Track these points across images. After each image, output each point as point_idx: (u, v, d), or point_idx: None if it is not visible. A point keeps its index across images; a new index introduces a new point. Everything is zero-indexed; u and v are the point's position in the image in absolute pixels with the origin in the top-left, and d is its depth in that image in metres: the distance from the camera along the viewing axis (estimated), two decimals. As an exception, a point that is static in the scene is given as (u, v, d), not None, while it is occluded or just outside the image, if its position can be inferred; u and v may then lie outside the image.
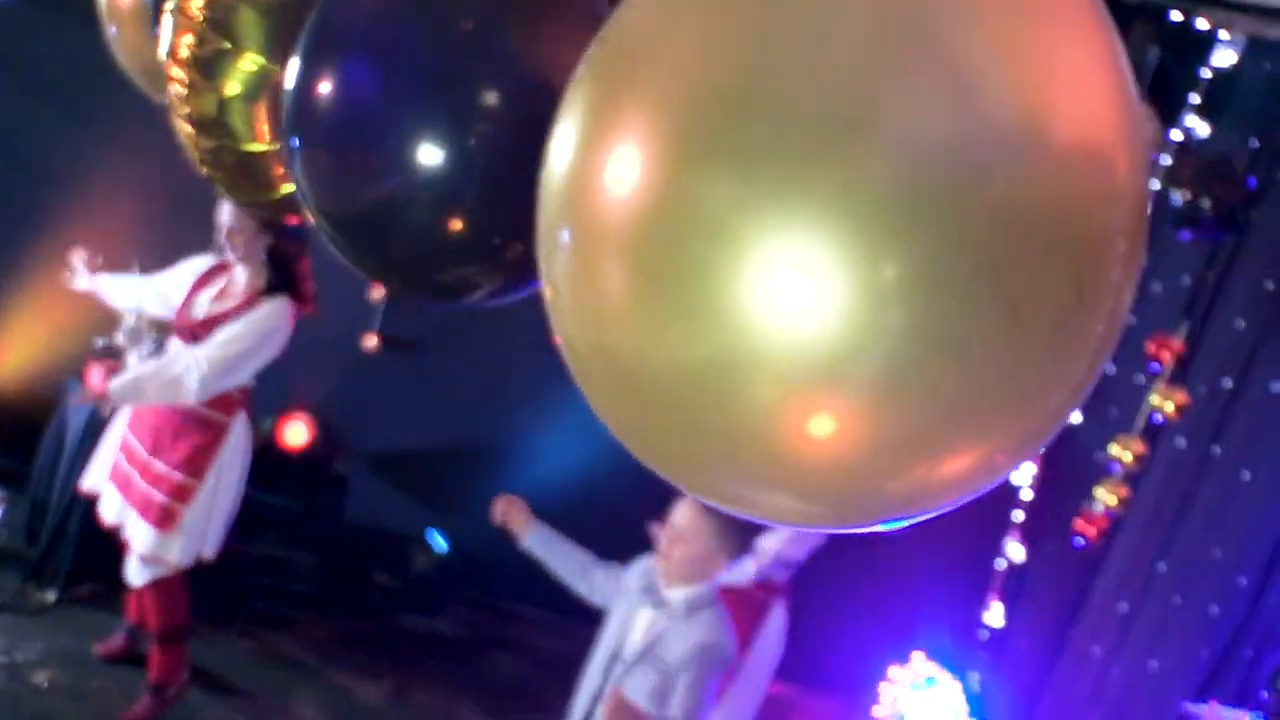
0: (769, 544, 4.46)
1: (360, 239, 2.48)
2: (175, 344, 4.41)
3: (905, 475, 1.56)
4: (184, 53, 2.77)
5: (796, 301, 1.38)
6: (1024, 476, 6.34)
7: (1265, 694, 5.23)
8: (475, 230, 2.40)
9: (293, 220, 3.62)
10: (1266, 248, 5.55)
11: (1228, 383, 5.85)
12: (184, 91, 2.82)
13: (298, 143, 2.44)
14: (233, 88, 2.79)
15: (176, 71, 2.82)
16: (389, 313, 6.11)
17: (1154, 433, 6.18)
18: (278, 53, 2.73)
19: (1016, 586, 6.51)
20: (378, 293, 5.77)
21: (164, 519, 4.30)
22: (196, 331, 4.30)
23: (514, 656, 5.91)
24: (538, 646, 6.06)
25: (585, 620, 6.30)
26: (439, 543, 6.05)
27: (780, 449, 1.50)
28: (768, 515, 1.71)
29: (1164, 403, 3.21)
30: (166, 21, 2.87)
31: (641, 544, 3.64)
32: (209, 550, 4.44)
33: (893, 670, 5.97)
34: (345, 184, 2.41)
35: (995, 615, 6.49)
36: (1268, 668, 5.31)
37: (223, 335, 4.21)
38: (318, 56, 2.39)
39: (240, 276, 4.37)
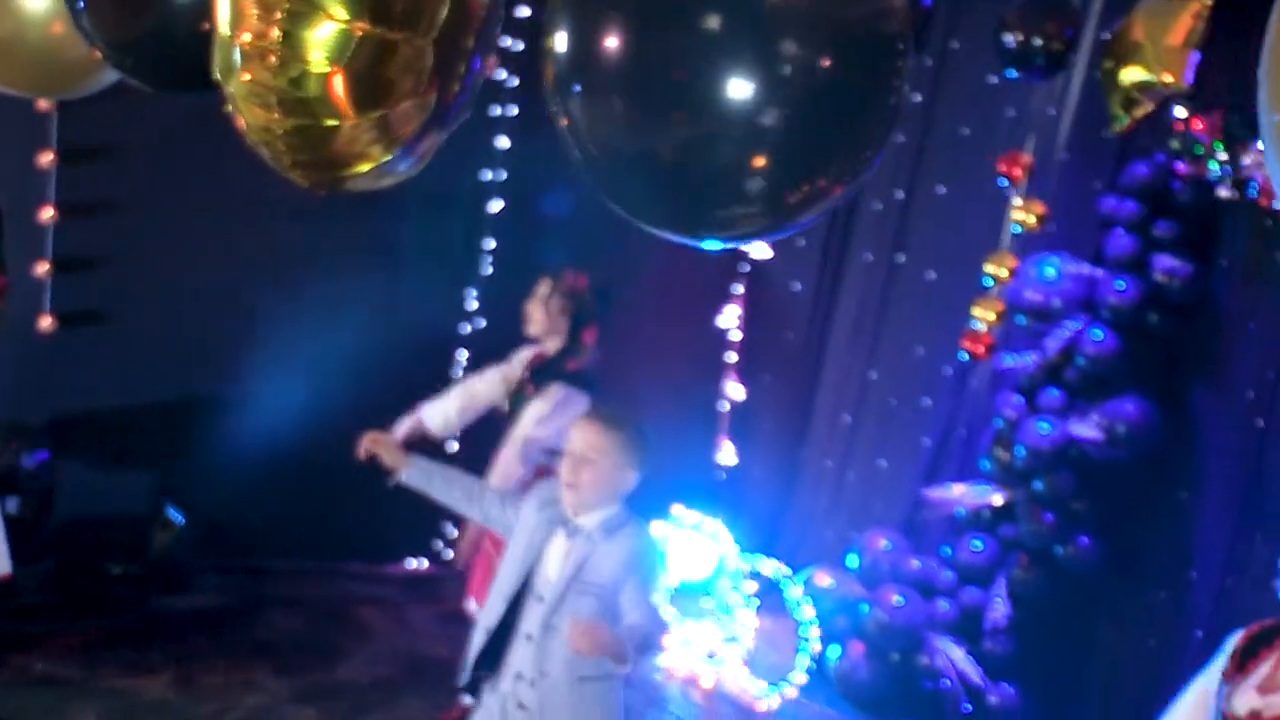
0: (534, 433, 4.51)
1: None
2: None
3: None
4: (255, 23, 2.38)
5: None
6: (730, 319, 6.63)
7: (986, 464, 5.79)
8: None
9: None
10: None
11: (900, 194, 6.29)
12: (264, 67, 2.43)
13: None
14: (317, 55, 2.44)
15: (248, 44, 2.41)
16: (58, 289, 5.61)
17: (840, 250, 6.60)
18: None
19: (742, 424, 6.84)
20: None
21: None
22: None
23: (285, 612, 5.70)
24: (303, 597, 5.87)
25: (340, 559, 6.20)
26: (174, 516, 5.70)
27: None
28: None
29: (1026, 216, 3.40)
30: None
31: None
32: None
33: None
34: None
35: (728, 455, 6.81)
36: (984, 442, 5.87)
37: None
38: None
39: None
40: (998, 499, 5.64)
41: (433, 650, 5.61)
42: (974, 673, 5.60)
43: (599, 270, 6.08)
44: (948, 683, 5.60)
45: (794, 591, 5.83)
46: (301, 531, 6.05)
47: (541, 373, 4.60)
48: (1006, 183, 5.26)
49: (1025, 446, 5.39)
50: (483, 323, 6.22)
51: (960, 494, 5.74)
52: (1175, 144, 5.21)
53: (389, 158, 2.76)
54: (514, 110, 6.00)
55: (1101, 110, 4.97)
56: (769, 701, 5.63)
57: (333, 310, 5.84)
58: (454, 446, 5.56)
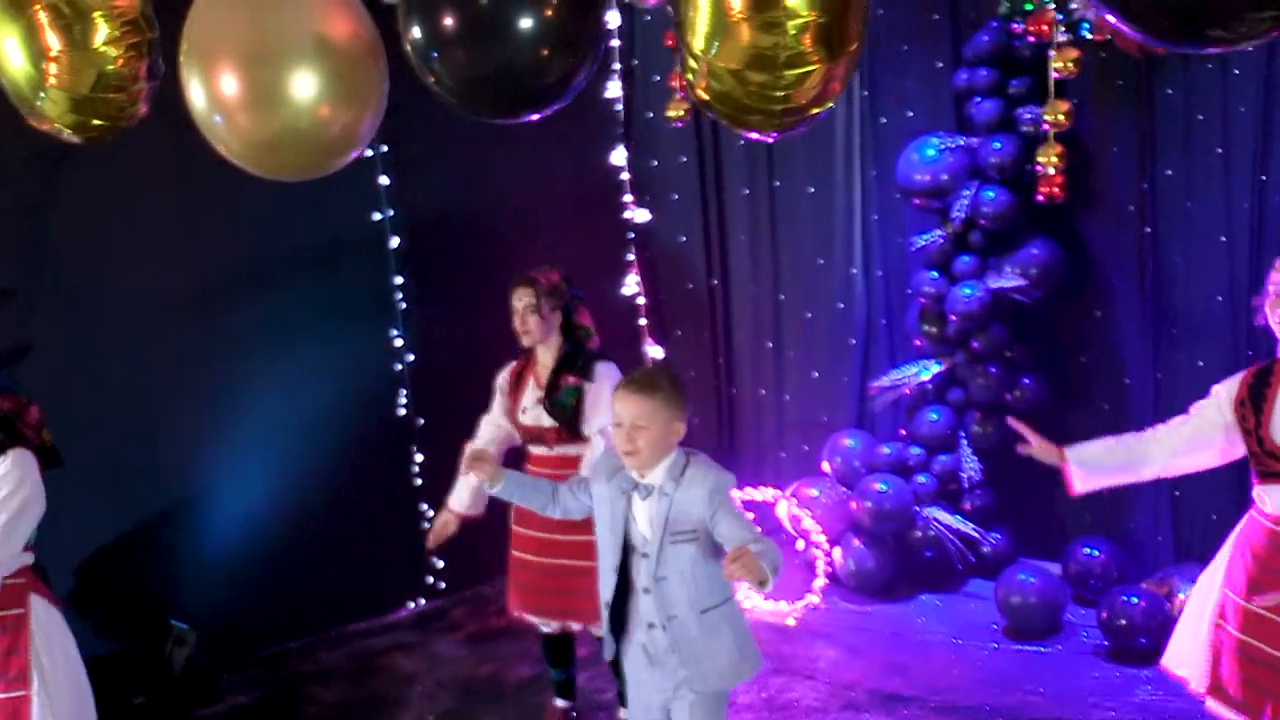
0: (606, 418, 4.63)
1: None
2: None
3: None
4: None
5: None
6: (632, 286, 6.90)
7: (918, 342, 6.22)
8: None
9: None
10: None
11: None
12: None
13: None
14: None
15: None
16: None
17: (716, 192, 6.91)
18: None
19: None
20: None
21: None
22: None
23: (322, 685, 5.66)
24: (331, 666, 5.84)
25: (347, 621, 6.19)
26: (186, 630, 5.63)
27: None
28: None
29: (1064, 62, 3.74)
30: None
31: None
32: None
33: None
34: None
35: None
36: (909, 323, 6.31)
37: None
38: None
39: None
40: (936, 369, 6.10)
41: (479, 671, 5.72)
42: (966, 529, 6.05)
43: (505, 271, 6.28)
44: (948, 546, 6.05)
45: (786, 509, 6.17)
46: (304, 606, 6.05)
47: (580, 364, 4.72)
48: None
49: (955, 313, 5.84)
50: (411, 357, 6.30)
51: (903, 376, 6.16)
52: (1005, 8, 5.72)
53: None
54: (384, 149, 6.09)
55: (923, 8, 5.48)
56: (795, 615, 5.95)
57: (272, 386, 5.84)
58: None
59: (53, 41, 2.77)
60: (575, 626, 4.89)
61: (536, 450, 4.83)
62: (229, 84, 2.70)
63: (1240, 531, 3.77)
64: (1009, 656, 5.55)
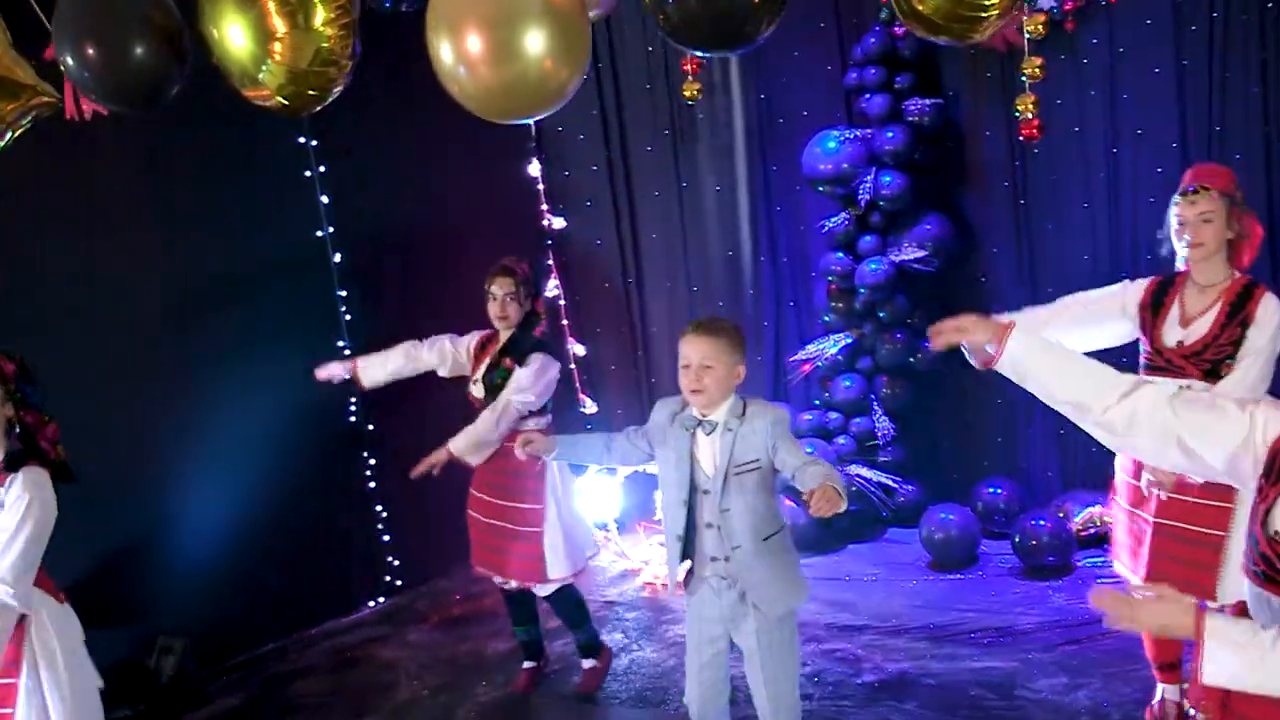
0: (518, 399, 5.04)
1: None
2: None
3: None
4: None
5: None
6: (553, 288, 7.40)
7: (828, 318, 6.88)
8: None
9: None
10: None
11: (666, 131, 7.23)
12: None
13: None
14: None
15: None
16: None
17: (627, 195, 7.45)
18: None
19: (591, 376, 7.63)
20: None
21: None
22: None
23: (307, 680, 5.90)
24: (312, 663, 6.05)
25: (319, 622, 6.44)
26: (170, 640, 5.83)
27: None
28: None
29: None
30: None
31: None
32: None
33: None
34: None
35: (589, 407, 7.59)
36: (818, 301, 6.96)
37: None
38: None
39: None
40: (846, 341, 6.77)
41: (458, 651, 6.07)
42: (885, 481, 6.72)
43: (439, 279, 6.72)
44: (872, 498, 6.70)
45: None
46: (276, 611, 6.30)
47: (518, 347, 5.06)
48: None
49: (865, 286, 6.51)
50: (361, 366, 6.64)
51: (817, 350, 6.81)
52: (886, 14, 6.45)
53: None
54: (322, 169, 6.44)
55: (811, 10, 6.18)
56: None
57: (233, 401, 6.09)
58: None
59: (279, 25, 3.19)
60: (512, 584, 5.29)
61: None
62: (473, 42, 3.14)
63: None
64: (938, 584, 6.23)
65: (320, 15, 3.22)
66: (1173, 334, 4.23)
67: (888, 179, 6.45)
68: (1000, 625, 5.66)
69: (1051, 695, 4.98)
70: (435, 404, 5.74)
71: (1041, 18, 3.90)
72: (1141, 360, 4.31)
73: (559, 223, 7.42)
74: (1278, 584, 2.42)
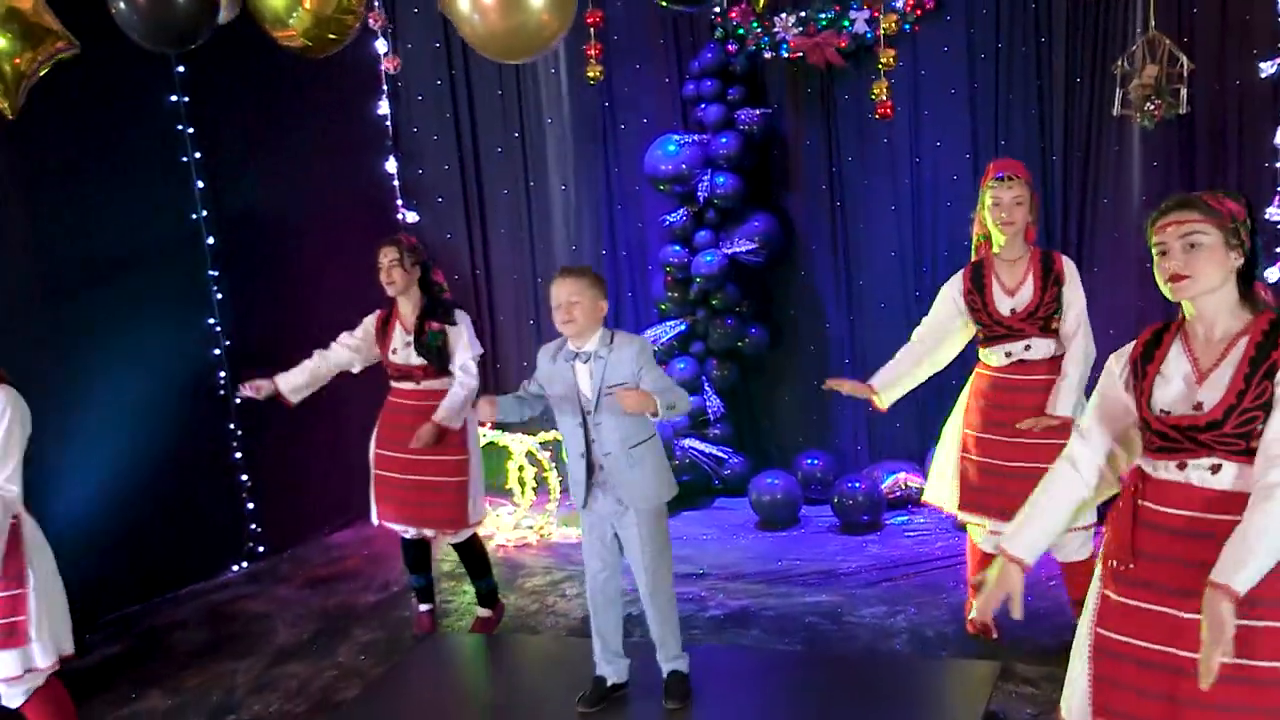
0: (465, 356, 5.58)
1: None
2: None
3: None
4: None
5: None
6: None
7: (663, 306, 7.56)
8: None
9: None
10: None
11: (515, 133, 7.82)
12: None
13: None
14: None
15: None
16: None
17: (478, 194, 8.02)
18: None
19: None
20: None
21: (10, 637, 4.31)
22: None
23: (183, 632, 6.18)
24: (184, 618, 6.35)
25: (181, 585, 6.72)
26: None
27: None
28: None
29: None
30: None
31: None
32: (67, 644, 4.50)
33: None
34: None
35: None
36: (654, 291, 7.64)
37: None
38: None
39: None
40: (680, 328, 7.48)
41: (328, 603, 6.47)
42: (714, 454, 7.45)
43: (303, 264, 7.15)
44: (704, 468, 7.41)
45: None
46: (145, 572, 6.56)
47: (440, 311, 5.58)
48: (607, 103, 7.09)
49: (700, 275, 7.25)
50: (228, 342, 6.99)
51: (653, 335, 7.49)
52: (720, 32, 7.25)
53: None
54: (198, 155, 6.80)
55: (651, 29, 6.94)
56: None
57: (106, 373, 6.35)
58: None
59: None
60: (429, 533, 5.82)
61: (402, 385, 5.69)
62: None
63: (971, 383, 5.28)
64: (767, 540, 6.98)
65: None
66: (1004, 304, 5.04)
67: (722, 180, 7.21)
68: (825, 569, 6.42)
69: (874, 620, 5.74)
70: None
71: (894, 16, 4.62)
72: (981, 336, 5.11)
73: (412, 217, 7.92)
74: (1179, 450, 2.92)
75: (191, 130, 6.76)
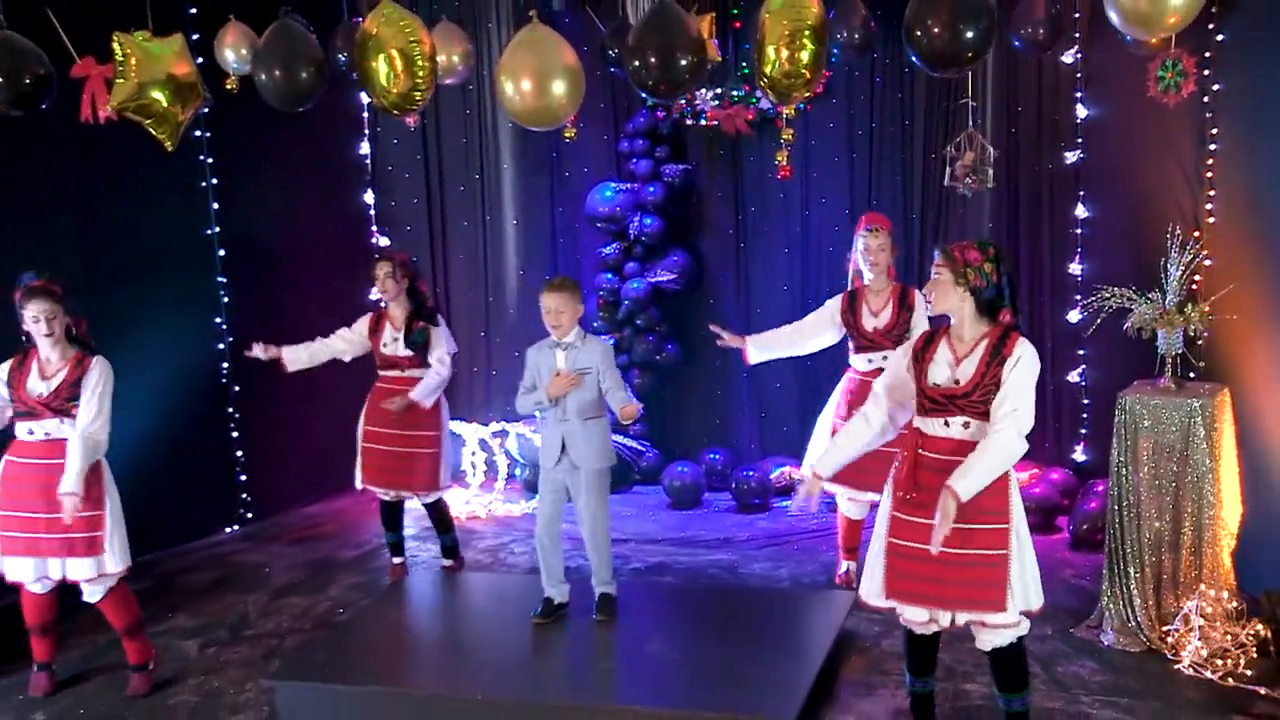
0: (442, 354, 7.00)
1: None
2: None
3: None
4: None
5: None
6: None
7: (596, 322, 9.08)
8: None
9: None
10: None
11: (476, 176, 9.32)
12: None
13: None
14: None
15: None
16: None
17: (442, 226, 9.44)
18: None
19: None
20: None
21: (92, 547, 5.64)
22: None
23: (188, 576, 7.54)
24: (190, 564, 7.69)
25: (176, 543, 8.01)
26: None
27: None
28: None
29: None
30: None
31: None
32: (128, 559, 5.83)
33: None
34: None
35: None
36: (590, 310, 9.16)
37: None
38: None
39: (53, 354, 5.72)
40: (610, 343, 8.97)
41: (315, 555, 7.87)
42: (635, 447, 8.96)
43: (299, 277, 8.53)
44: (625, 459, 8.91)
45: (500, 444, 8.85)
46: (154, 528, 7.73)
47: (425, 317, 6.95)
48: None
49: (628, 299, 8.79)
50: (231, 339, 8.33)
51: (588, 347, 8.97)
52: (651, 101, 8.81)
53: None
54: (214, 181, 8.18)
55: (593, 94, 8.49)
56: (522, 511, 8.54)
57: (126, 359, 7.50)
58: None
59: (398, 65, 5.41)
60: (406, 495, 7.17)
61: (389, 373, 7.04)
62: (525, 84, 5.57)
63: (842, 384, 6.79)
64: (677, 517, 8.52)
65: (418, 61, 5.44)
66: (870, 323, 6.59)
67: (649, 221, 8.78)
68: (724, 538, 7.98)
69: (763, 572, 7.31)
70: (293, 376, 7.30)
71: (794, 103, 6.11)
72: (852, 346, 6.65)
73: (385, 241, 9.37)
74: (944, 411, 4.42)
75: (211, 160, 8.15)
